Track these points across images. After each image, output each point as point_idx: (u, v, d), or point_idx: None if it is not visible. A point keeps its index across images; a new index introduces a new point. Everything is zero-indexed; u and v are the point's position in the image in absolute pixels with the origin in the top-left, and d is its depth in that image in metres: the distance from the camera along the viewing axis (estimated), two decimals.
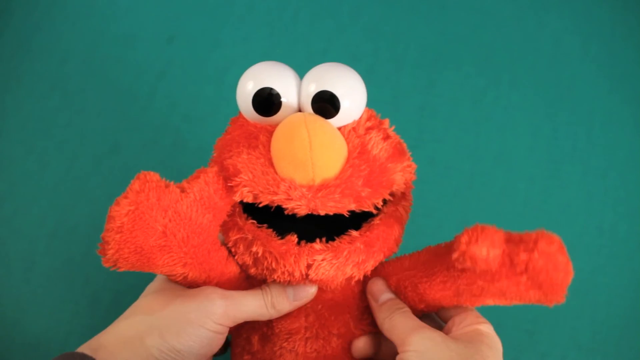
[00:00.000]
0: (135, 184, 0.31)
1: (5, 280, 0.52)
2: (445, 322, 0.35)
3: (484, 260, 0.30)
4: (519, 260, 0.29)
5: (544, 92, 0.61)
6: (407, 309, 0.35)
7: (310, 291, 0.37)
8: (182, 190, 0.32)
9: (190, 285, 0.36)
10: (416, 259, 0.36)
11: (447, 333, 0.33)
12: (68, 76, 0.61)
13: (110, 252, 0.31)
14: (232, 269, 0.37)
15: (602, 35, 0.63)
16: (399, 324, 0.33)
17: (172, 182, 0.32)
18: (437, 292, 0.34)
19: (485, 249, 0.29)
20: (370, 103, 0.36)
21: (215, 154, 0.36)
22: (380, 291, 0.36)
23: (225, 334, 0.35)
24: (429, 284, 0.34)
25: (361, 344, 0.38)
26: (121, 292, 0.52)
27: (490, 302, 0.33)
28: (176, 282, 0.36)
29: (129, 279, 0.49)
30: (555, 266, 0.29)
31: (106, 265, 0.32)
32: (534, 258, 0.29)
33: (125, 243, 0.31)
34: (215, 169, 0.34)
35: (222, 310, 0.34)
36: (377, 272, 0.38)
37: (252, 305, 0.35)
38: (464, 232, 0.30)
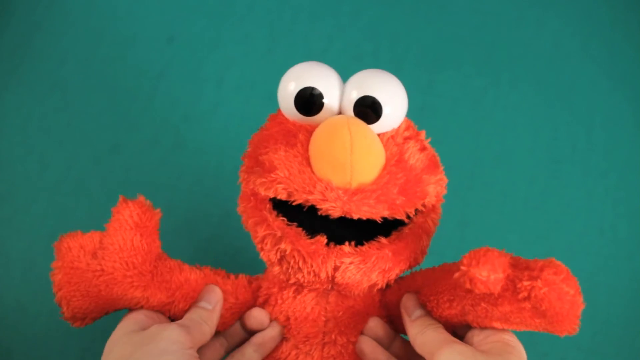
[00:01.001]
0: (60, 248, 0.35)
1: (5, 280, 0.52)
2: (463, 334, 0.35)
3: (483, 282, 0.29)
4: (522, 286, 0.29)
5: (544, 92, 0.61)
6: (439, 325, 0.34)
7: (219, 294, 0.37)
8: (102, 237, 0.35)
9: (159, 309, 0.36)
10: (429, 276, 0.36)
11: (469, 344, 0.33)
12: (68, 76, 0.61)
13: (64, 308, 0.35)
14: (192, 277, 0.37)
15: (602, 35, 0.63)
16: (430, 339, 0.33)
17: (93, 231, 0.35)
18: (444, 310, 0.34)
19: (486, 272, 0.29)
20: None
21: (249, 149, 0.36)
22: (414, 307, 0.36)
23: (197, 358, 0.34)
24: (436, 302, 0.34)
25: (372, 323, 0.38)
26: None
27: (497, 325, 0.32)
28: (143, 313, 0.36)
29: None
30: (560, 296, 0.29)
31: (72, 322, 0.36)
32: (537, 286, 0.29)
33: (72, 296, 0.35)
34: (129, 202, 0.35)
35: (182, 331, 0.33)
36: (393, 286, 0.38)
37: (194, 319, 0.35)
38: (468, 253, 0.30)
